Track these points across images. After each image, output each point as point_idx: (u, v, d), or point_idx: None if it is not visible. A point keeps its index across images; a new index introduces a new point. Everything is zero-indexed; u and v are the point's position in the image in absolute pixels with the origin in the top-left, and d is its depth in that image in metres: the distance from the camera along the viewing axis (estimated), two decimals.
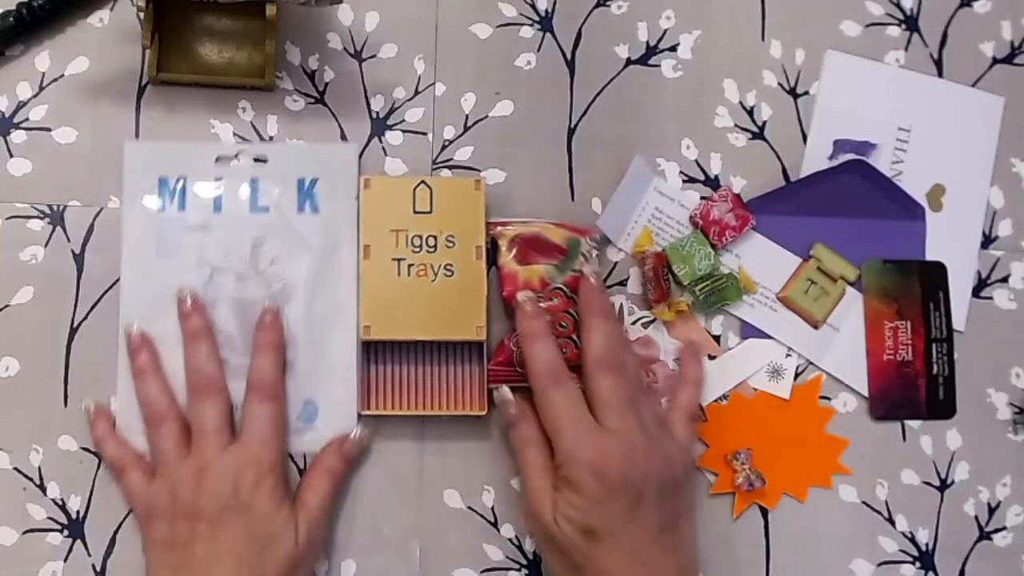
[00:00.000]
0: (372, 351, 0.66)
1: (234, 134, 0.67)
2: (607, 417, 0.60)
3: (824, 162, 0.71)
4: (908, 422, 0.70)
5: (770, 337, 0.69)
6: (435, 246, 0.65)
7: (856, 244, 0.70)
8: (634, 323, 0.68)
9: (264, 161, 0.67)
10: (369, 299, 0.64)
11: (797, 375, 0.69)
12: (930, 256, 0.71)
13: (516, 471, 0.66)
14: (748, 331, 0.69)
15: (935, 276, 0.70)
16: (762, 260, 0.70)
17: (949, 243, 0.71)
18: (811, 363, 0.69)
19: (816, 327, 0.69)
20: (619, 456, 0.58)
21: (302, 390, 0.65)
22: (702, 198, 0.70)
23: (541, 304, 0.63)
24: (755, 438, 0.68)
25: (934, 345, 0.70)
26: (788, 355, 0.69)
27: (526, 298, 0.63)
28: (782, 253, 0.70)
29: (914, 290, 0.70)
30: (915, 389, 0.70)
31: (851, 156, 0.70)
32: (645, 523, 0.59)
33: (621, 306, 0.69)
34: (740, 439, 0.68)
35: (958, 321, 0.71)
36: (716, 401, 0.69)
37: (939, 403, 0.70)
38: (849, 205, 0.70)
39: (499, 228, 0.66)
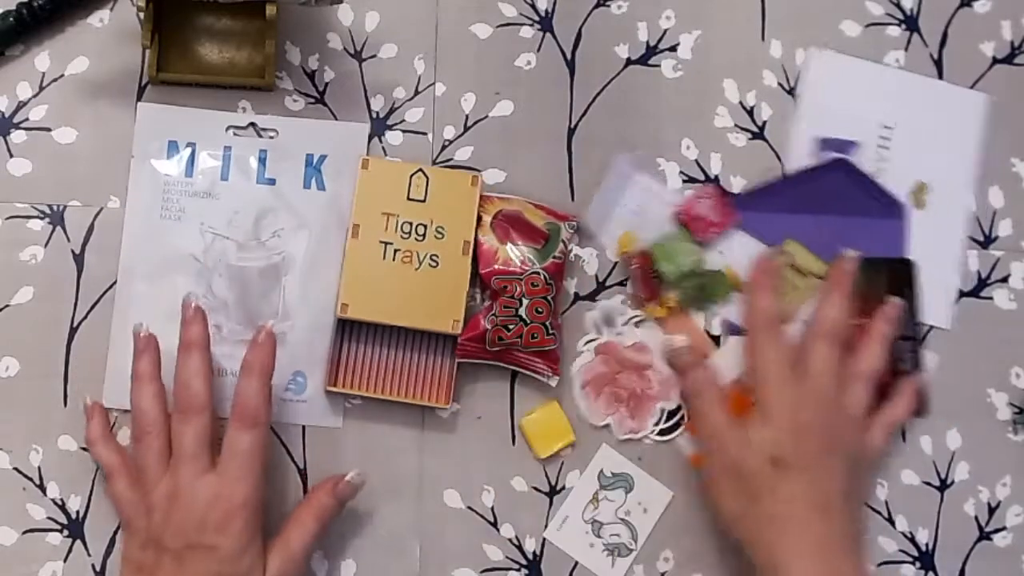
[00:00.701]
0: (347, 330, 0.66)
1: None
2: (811, 378, 0.63)
3: (808, 160, 0.71)
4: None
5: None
6: (424, 235, 0.65)
7: (839, 242, 0.70)
8: (626, 323, 0.68)
9: (274, 135, 0.67)
10: (351, 278, 0.65)
11: None
12: (915, 255, 0.71)
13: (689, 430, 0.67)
14: (733, 329, 0.69)
15: (903, 273, 0.70)
16: (745, 257, 0.69)
17: (934, 241, 0.71)
18: None
19: (786, 323, 0.69)
20: (815, 403, 0.62)
21: (293, 362, 0.66)
22: (686, 180, 0.70)
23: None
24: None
25: (900, 343, 0.69)
26: None
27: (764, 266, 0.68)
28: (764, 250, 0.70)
29: (880, 288, 0.70)
30: (882, 387, 0.69)
31: (834, 154, 0.70)
32: (833, 476, 0.61)
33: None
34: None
35: (945, 319, 0.71)
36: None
37: None
38: (832, 203, 0.70)
39: (481, 202, 0.66)
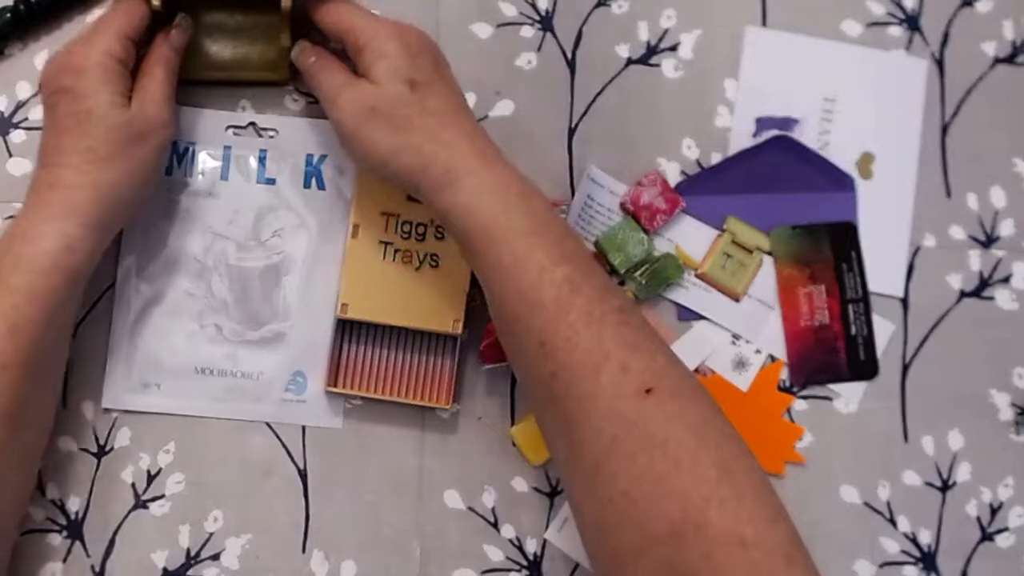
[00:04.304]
0: (346, 330, 0.66)
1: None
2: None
3: (750, 140, 0.71)
4: (908, 419, 0.70)
5: (704, 318, 0.69)
6: (424, 235, 0.65)
7: (788, 218, 0.70)
8: None
9: (274, 135, 0.67)
10: (350, 278, 0.65)
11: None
12: (864, 224, 0.71)
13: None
14: (685, 314, 0.69)
15: (846, 237, 0.70)
16: (694, 241, 0.70)
17: (883, 210, 0.71)
18: (736, 336, 0.69)
19: (738, 300, 0.69)
20: (414, 29, 0.61)
21: (293, 362, 0.66)
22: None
23: None
24: None
25: (850, 306, 0.70)
26: (756, 350, 0.69)
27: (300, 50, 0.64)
28: (714, 233, 0.70)
29: (825, 253, 0.70)
30: (834, 352, 0.70)
31: (775, 132, 0.70)
32: (454, 85, 0.61)
33: None
34: None
35: (897, 288, 0.71)
36: None
37: (859, 364, 0.70)
38: (778, 180, 0.70)
39: None
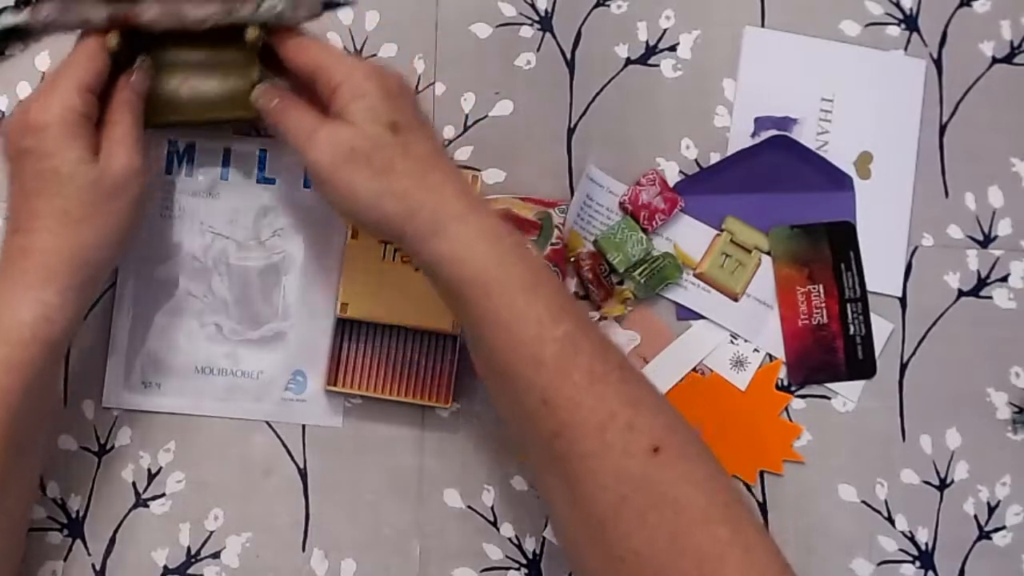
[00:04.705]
0: (346, 329, 0.66)
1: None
2: (365, 61, 0.60)
3: (748, 140, 0.71)
4: (906, 418, 0.70)
5: (703, 317, 0.69)
6: None
7: (787, 218, 0.70)
8: None
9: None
10: (350, 278, 0.65)
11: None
12: (862, 224, 0.71)
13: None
14: (684, 313, 0.69)
15: (844, 236, 0.71)
16: (693, 241, 0.70)
17: (881, 210, 0.71)
18: (735, 336, 0.69)
19: (736, 299, 0.70)
20: (391, 71, 0.58)
21: (293, 362, 0.66)
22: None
23: None
24: (707, 418, 0.68)
25: (848, 306, 0.70)
26: (755, 349, 0.69)
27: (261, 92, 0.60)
28: (712, 233, 0.70)
29: (824, 253, 0.70)
30: (833, 351, 0.70)
31: (773, 132, 0.71)
32: (432, 130, 0.58)
33: None
34: (692, 417, 0.67)
35: (895, 287, 0.71)
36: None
37: (858, 363, 0.70)
38: (776, 180, 0.70)
39: None
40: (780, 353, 0.70)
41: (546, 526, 0.67)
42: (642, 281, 0.68)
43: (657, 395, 0.55)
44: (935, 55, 0.73)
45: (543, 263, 0.56)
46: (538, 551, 0.67)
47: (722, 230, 0.70)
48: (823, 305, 0.70)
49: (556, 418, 0.52)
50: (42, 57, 0.67)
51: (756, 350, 0.69)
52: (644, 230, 0.68)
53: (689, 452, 0.53)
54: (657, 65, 0.72)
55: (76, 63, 0.57)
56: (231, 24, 0.58)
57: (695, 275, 0.70)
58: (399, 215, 0.55)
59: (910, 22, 0.73)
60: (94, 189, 0.56)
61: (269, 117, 0.59)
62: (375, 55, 0.69)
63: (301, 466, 0.66)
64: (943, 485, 0.70)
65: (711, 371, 0.69)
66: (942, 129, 0.73)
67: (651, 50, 0.72)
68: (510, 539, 0.67)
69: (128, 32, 0.58)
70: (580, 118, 0.70)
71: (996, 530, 0.70)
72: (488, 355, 0.55)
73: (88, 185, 0.55)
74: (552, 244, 0.66)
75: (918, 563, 0.69)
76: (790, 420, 0.70)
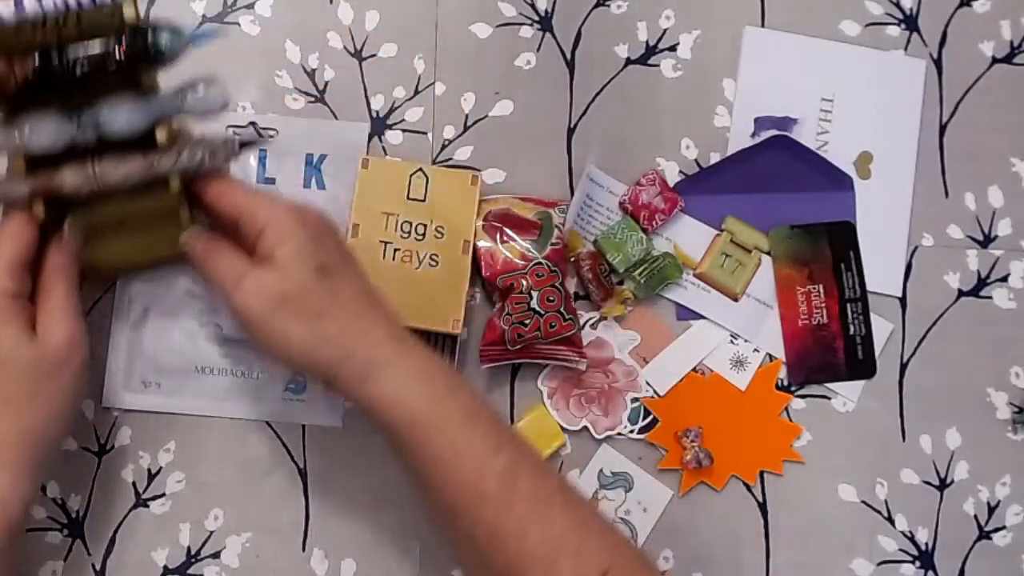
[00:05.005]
0: None
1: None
2: (285, 200, 0.58)
3: (748, 140, 0.71)
4: (906, 418, 0.70)
5: (703, 317, 0.69)
6: (424, 235, 0.65)
7: (787, 218, 0.70)
8: (583, 326, 0.68)
9: (274, 134, 0.67)
10: None
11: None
12: (862, 223, 0.71)
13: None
14: (684, 313, 0.69)
15: (844, 236, 0.71)
16: (693, 241, 0.70)
17: (881, 210, 0.71)
18: (735, 336, 0.69)
19: (736, 299, 0.70)
20: (312, 209, 0.57)
21: None
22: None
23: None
24: (707, 418, 0.68)
25: (848, 306, 0.70)
26: (755, 349, 0.69)
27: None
28: (712, 233, 0.70)
29: (824, 253, 0.70)
30: (833, 351, 0.70)
31: (773, 132, 0.71)
32: (359, 268, 0.58)
33: None
34: (692, 417, 0.68)
35: (895, 287, 0.71)
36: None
37: (858, 363, 0.70)
38: (777, 179, 0.71)
39: None
40: (780, 353, 0.70)
41: None
42: (642, 281, 0.68)
43: (600, 514, 0.56)
44: (935, 55, 0.73)
45: (473, 394, 0.57)
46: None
47: (722, 230, 0.70)
48: (823, 305, 0.70)
49: (505, 552, 0.53)
50: None
51: (756, 350, 0.70)
52: (644, 230, 0.69)
53: (637, 570, 0.54)
54: (657, 65, 0.72)
55: (4, 241, 0.56)
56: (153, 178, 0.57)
57: (695, 275, 0.70)
58: (332, 360, 0.55)
59: (910, 22, 0.73)
60: (35, 369, 0.54)
61: (196, 263, 0.59)
62: (375, 55, 0.69)
63: (301, 466, 0.66)
64: (943, 485, 0.70)
65: (711, 371, 0.69)
66: (942, 129, 0.73)
67: (651, 50, 0.72)
68: None
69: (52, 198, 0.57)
70: (580, 118, 0.70)
71: (996, 530, 0.70)
72: (432, 494, 0.55)
73: (28, 366, 0.54)
74: (552, 244, 0.66)
75: (918, 563, 0.69)
76: (790, 420, 0.70)
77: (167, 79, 0.56)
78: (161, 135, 0.56)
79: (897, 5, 0.74)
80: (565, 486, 0.56)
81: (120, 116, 0.54)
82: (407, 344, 0.56)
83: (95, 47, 0.52)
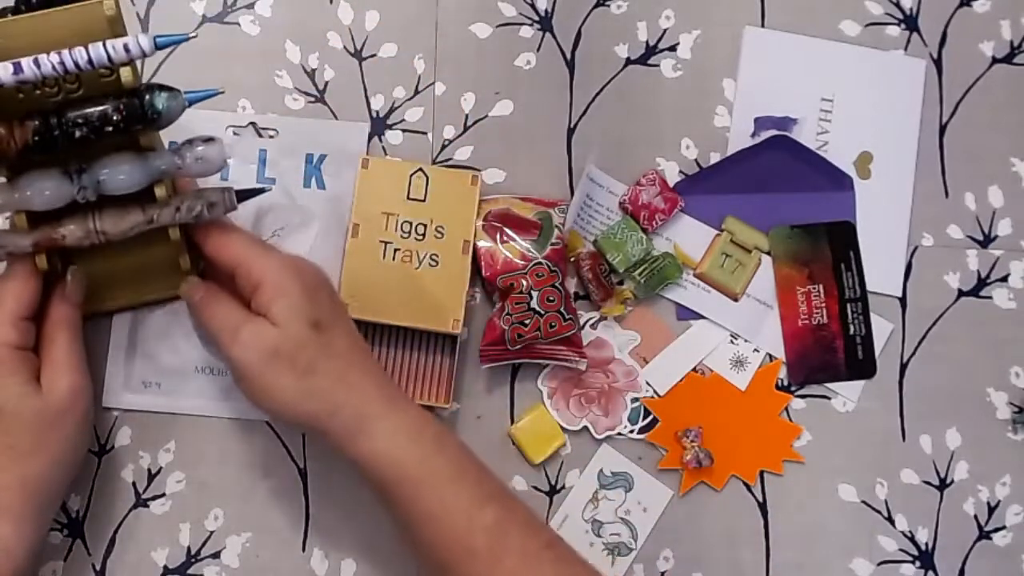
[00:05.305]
0: None
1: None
2: (281, 252, 0.59)
3: (748, 140, 0.71)
4: (906, 418, 0.70)
5: (703, 317, 0.69)
6: (424, 235, 0.65)
7: (787, 218, 0.70)
8: (583, 326, 0.68)
9: (274, 134, 0.67)
10: (350, 277, 0.65)
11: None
12: (862, 223, 0.71)
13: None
14: (684, 313, 0.69)
15: (844, 236, 0.71)
16: (693, 241, 0.70)
17: (881, 210, 0.71)
18: (735, 336, 0.69)
19: (736, 299, 0.70)
20: (306, 263, 0.59)
21: None
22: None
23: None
24: (707, 418, 0.68)
25: (848, 305, 0.70)
26: (755, 349, 0.69)
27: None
28: (712, 233, 0.70)
29: (824, 253, 0.70)
30: (833, 351, 0.70)
31: (773, 132, 0.71)
32: (350, 323, 0.59)
33: None
34: (692, 417, 0.68)
35: (895, 287, 0.71)
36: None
37: (858, 363, 0.70)
38: (777, 179, 0.71)
39: None
40: (780, 353, 0.70)
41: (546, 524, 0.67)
42: (642, 281, 0.68)
43: (591, 568, 0.56)
44: (935, 55, 0.73)
45: (461, 448, 0.57)
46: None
47: (722, 230, 0.70)
48: (823, 305, 0.70)
49: None
50: None
51: (756, 350, 0.70)
52: (644, 230, 0.69)
53: None
54: (657, 65, 0.72)
55: (7, 295, 0.56)
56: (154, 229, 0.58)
57: (695, 275, 0.70)
58: (322, 414, 0.56)
59: (910, 22, 0.73)
60: (39, 419, 0.55)
61: (194, 311, 0.60)
62: (375, 55, 0.69)
63: (301, 466, 0.66)
64: (943, 485, 0.70)
65: (711, 371, 0.69)
66: (942, 129, 0.73)
67: (651, 50, 0.72)
68: None
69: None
70: (580, 118, 0.70)
71: (996, 530, 0.70)
72: (423, 550, 0.56)
73: (33, 417, 0.55)
74: (552, 244, 0.66)
75: (918, 563, 0.69)
76: (790, 420, 0.70)
77: (167, 134, 0.57)
78: (160, 191, 0.57)
79: (897, 5, 0.74)
80: (555, 540, 0.56)
81: (119, 176, 0.54)
82: (396, 399, 0.57)
83: (94, 110, 0.52)
